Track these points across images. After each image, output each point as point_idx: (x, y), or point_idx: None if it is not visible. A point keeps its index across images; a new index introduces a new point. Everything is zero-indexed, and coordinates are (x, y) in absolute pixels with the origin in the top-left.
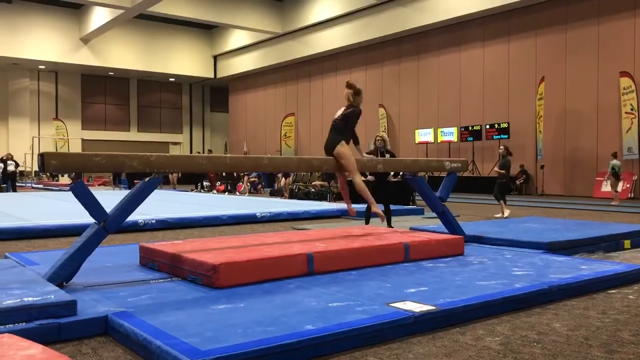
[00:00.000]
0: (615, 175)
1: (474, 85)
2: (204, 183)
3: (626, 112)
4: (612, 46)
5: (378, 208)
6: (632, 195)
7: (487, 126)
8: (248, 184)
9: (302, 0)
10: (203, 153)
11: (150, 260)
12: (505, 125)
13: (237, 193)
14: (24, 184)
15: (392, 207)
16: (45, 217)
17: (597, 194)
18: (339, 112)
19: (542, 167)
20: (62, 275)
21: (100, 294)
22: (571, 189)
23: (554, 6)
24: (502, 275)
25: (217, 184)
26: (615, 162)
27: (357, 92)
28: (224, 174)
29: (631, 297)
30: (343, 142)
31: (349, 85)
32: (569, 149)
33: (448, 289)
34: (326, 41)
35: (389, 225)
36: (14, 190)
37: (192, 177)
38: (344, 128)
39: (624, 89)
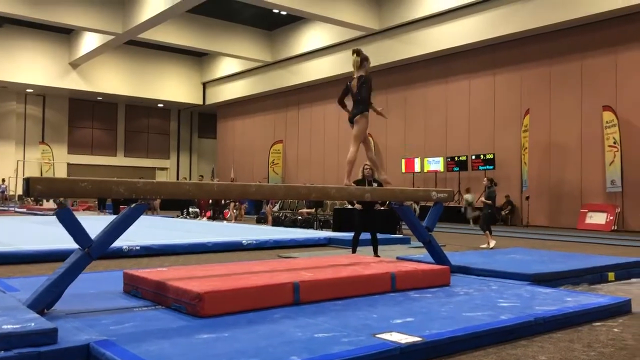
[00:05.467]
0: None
1: (460, 117)
2: (190, 209)
3: (609, 146)
4: (595, 81)
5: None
6: (616, 228)
7: (473, 157)
8: (235, 210)
9: (292, 31)
10: (190, 179)
11: (134, 288)
12: (491, 156)
13: (225, 221)
14: (6, 208)
15: (378, 235)
16: (27, 242)
17: (582, 226)
18: (355, 84)
19: (527, 198)
20: (43, 302)
21: (82, 322)
22: (556, 221)
23: (538, 41)
24: (488, 307)
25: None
26: (468, 196)
27: (365, 59)
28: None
29: (616, 330)
30: (366, 113)
31: (358, 52)
32: (553, 181)
33: (434, 320)
34: (315, 70)
35: (376, 254)
36: None
37: (177, 203)
38: (365, 98)
39: (607, 122)
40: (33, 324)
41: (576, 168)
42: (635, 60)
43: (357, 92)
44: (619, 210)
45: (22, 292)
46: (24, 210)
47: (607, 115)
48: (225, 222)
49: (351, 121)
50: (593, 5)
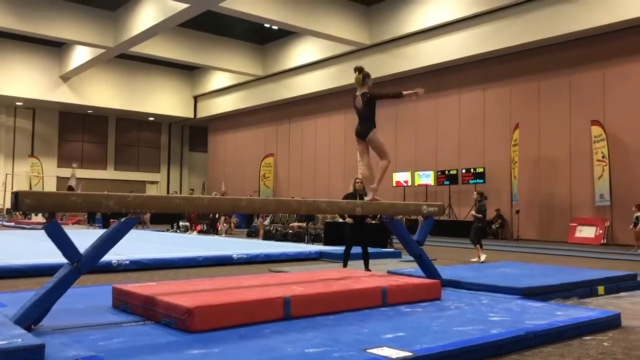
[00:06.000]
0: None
1: (451, 130)
2: (180, 223)
3: (597, 160)
4: (583, 96)
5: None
6: (605, 242)
7: (464, 170)
8: (225, 224)
9: (283, 45)
10: (180, 192)
11: (123, 303)
12: (481, 170)
13: (215, 235)
14: None
15: (369, 249)
16: (15, 257)
17: (572, 240)
18: (359, 102)
19: (518, 212)
20: (30, 318)
21: (70, 338)
22: (546, 234)
23: (527, 56)
24: (478, 321)
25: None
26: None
27: (366, 75)
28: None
29: (605, 344)
30: (374, 129)
31: (359, 70)
32: (543, 195)
33: (425, 335)
34: (307, 84)
35: (367, 268)
36: None
37: (167, 216)
38: (371, 114)
39: (595, 137)
40: (20, 340)
41: (565, 182)
42: (623, 75)
43: (363, 109)
44: (608, 224)
45: (9, 308)
46: (12, 224)
47: (596, 130)
48: (216, 235)
49: (358, 135)
50: (581, 22)
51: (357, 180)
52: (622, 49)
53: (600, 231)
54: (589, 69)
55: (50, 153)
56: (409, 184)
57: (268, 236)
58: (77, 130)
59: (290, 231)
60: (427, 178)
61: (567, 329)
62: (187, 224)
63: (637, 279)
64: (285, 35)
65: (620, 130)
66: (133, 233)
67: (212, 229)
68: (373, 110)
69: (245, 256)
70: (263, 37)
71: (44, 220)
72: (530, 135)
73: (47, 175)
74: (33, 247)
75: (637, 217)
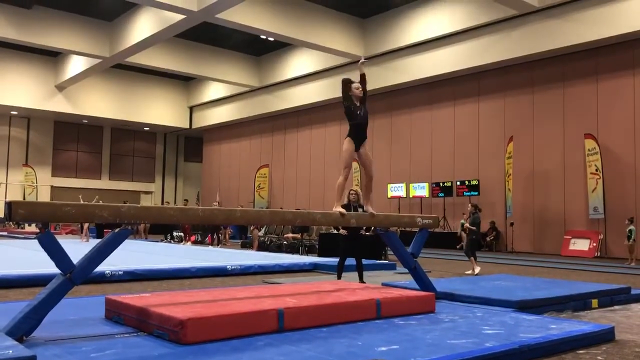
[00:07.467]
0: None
1: (445, 143)
2: (174, 233)
3: (591, 173)
4: (577, 109)
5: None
6: (599, 254)
7: (458, 183)
8: (220, 234)
9: (279, 56)
10: (175, 203)
11: (116, 314)
12: (476, 182)
13: (210, 245)
14: None
15: (364, 261)
16: (7, 266)
17: (566, 252)
18: None
19: (512, 224)
20: (22, 329)
21: (62, 349)
22: (540, 247)
23: (521, 69)
24: (473, 334)
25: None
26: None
27: (342, 83)
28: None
29: (599, 358)
30: (347, 138)
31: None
32: (537, 207)
33: (419, 348)
34: (302, 96)
35: (361, 280)
36: None
37: (162, 226)
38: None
39: (589, 150)
40: (11, 352)
41: (559, 195)
42: (616, 89)
43: None
44: (601, 237)
45: (0, 319)
46: (5, 233)
47: (589, 143)
48: (210, 246)
49: None
50: (574, 36)
51: (352, 192)
52: (615, 63)
53: (594, 244)
54: (583, 82)
55: (44, 162)
56: (404, 195)
57: (262, 247)
58: (72, 139)
59: (285, 242)
60: (421, 190)
61: (561, 343)
62: (181, 234)
63: (630, 292)
64: (281, 46)
65: (614, 143)
66: (126, 243)
67: (214, 238)
68: (346, 116)
69: (239, 267)
70: (259, 49)
71: (37, 230)
72: (524, 148)
73: (41, 184)
74: (25, 257)
75: (630, 231)
